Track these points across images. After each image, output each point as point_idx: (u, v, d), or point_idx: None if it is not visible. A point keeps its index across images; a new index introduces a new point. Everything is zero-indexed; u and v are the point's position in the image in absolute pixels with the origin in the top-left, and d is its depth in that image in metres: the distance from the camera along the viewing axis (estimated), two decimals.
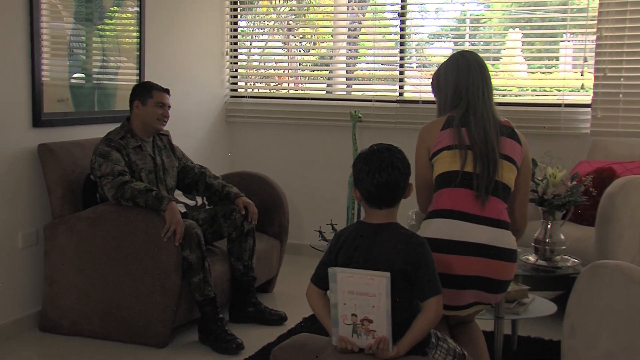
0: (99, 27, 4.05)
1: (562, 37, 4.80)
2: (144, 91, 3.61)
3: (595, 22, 4.41)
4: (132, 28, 4.32)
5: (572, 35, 4.75)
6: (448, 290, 2.32)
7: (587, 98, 4.53)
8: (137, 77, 4.33)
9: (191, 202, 3.98)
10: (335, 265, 2.22)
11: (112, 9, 4.17)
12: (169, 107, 3.66)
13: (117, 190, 3.36)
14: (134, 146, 3.56)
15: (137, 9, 4.32)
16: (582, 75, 4.59)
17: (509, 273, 2.47)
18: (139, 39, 4.34)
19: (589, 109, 4.48)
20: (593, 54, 4.43)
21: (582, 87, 4.58)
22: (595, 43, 4.40)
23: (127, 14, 4.30)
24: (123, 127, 3.59)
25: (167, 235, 3.28)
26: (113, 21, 4.22)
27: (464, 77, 2.61)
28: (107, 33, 4.13)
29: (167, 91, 3.68)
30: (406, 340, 2.14)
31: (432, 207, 2.51)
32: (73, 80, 3.89)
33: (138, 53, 4.35)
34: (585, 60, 4.54)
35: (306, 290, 2.32)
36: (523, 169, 2.60)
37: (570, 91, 4.68)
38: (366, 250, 2.19)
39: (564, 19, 4.71)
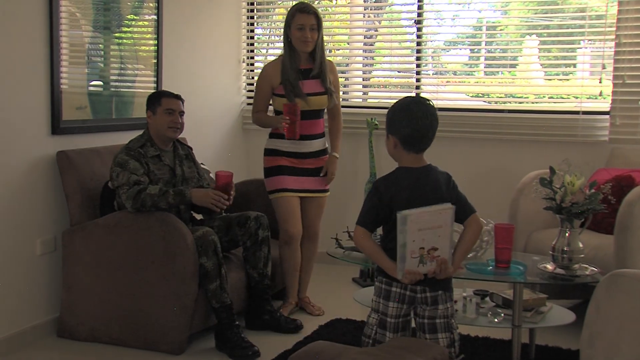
0: (117, 35, 4.09)
1: (579, 43, 4.77)
2: (154, 100, 3.62)
3: (614, 28, 4.38)
4: (149, 36, 4.36)
5: (590, 42, 4.72)
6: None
7: (605, 105, 4.50)
8: (155, 85, 4.36)
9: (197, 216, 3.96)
10: (390, 208, 2.43)
11: (130, 17, 4.20)
12: (182, 113, 3.63)
13: (134, 201, 3.38)
14: (153, 155, 3.56)
15: (155, 17, 4.36)
16: (600, 82, 4.56)
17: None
18: (156, 47, 4.38)
19: (607, 117, 4.45)
20: (611, 60, 4.40)
21: (601, 94, 4.55)
22: (613, 50, 4.37)
23: (145, 22, 4.34)
24: (143, 135, 3.60)
25: (220, 206, 3.49)
26: (131, 29, 4.25)
27: None
28: (125, 41, 4.16)
29: (177, 97, 3.65)
30: (458, 255, 2.48)
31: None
32: (91, 88, 3.92)
33: (155, 61, 4.38)
34: (603, 67, 4.51)
35: (354, 234, 2.56)
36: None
37: (588, 98, 4.64)
38: (420, 189, 2.46)
39: (581, 26, 4.68)
